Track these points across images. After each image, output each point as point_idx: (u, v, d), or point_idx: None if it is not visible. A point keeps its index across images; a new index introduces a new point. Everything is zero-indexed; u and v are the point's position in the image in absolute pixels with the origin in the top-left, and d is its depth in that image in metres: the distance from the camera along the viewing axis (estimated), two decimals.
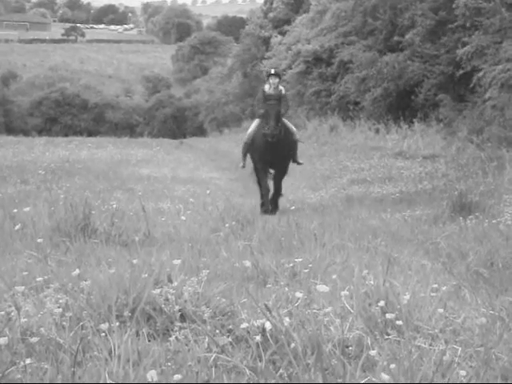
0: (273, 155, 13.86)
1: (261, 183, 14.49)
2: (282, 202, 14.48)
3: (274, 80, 14.25)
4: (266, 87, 14.28)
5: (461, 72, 23.02)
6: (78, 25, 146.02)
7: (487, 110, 19.61)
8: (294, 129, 14.83)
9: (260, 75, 47.50)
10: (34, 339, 3.49)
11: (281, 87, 14.55)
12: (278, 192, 14.59)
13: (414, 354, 3.47)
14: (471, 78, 21.90)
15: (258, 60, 50.20)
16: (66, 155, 22.73)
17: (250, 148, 14.39)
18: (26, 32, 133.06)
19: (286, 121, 14.34)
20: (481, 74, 20.86)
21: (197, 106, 68.70)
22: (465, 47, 22.50)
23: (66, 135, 47.52)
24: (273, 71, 14.80)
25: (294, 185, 17.29)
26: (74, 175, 15.41)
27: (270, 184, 14.52)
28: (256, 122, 14.59)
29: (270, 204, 14.14)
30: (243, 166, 14.71)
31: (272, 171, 14.66)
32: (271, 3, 58.05)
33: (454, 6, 23.40)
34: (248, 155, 14.51)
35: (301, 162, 15.05)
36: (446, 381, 3.10)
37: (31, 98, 75.30)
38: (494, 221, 8.89)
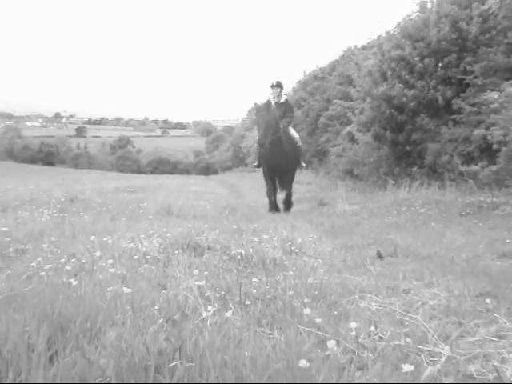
0: (276, 161, 7.72)
1: (266, 185, 8.69)
2: (248, 200, 11.58)
3: (275, 90, 7.63)
4: (271, 98, 7.64)
5: (320, 148, 22.96)
6: (167, 129, 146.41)
7: (331, 164, 19.71)
8: (297, 136, 8.02)
9: (241, 150, 47.15)
10: (148, 257, 3.47)
11: (284, 96, 7.76)
12: (288, 196, 8.48)
13: (303, 264, 3.52)
14: (325, 151, 21.98)
15: (240, 143, 49.96)
16: (160, 181, 22.34)
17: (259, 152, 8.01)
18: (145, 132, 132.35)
19: (290, 129, 7.82)
20: (331, 149, 20.87)
21: (215, 163, 68.45)
22: (322, 137, 22.32)
23: (162, 174, 46.60)
24: (274, 82, 7.67)
25: (254, 190, 17.15)
26: (163, 189, 15.14)
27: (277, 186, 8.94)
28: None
29: (283, 204, 8.46)
30: (257, 166, 8.42)
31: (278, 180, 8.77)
32: (244, 120, 58.07)
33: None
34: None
35: (303, 164, 8.64)
36: (314, 274, 3.13)
37: (147, 159, 75.38)
38: (334, 209, 8.94)
